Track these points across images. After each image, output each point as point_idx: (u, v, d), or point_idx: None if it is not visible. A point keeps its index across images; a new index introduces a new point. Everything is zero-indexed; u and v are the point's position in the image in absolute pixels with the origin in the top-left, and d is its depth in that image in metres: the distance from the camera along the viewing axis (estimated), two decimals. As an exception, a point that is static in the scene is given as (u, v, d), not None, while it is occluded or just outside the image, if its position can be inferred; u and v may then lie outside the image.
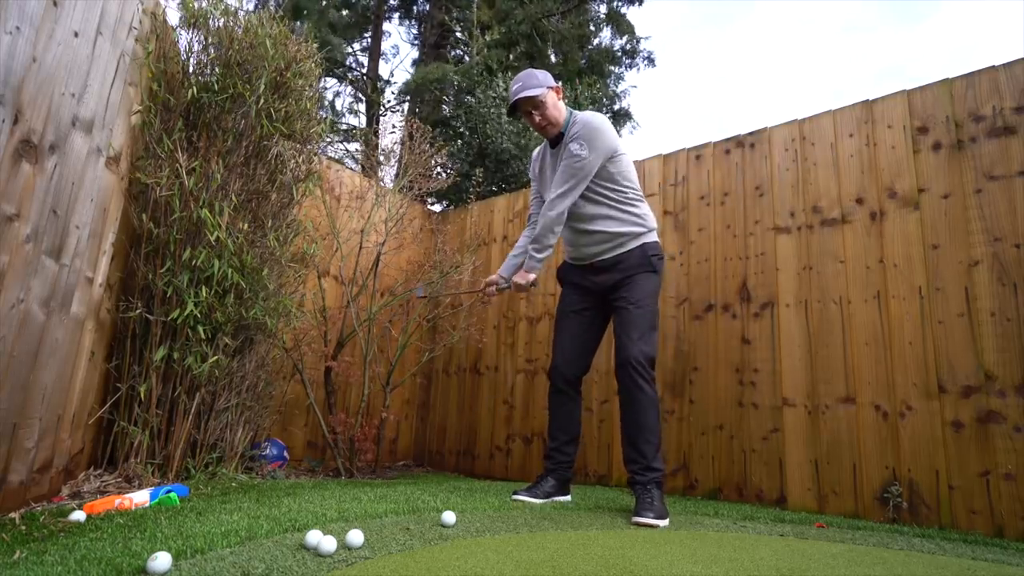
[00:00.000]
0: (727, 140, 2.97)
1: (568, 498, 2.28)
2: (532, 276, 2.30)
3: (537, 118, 2.23)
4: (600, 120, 2.18)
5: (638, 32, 9.63)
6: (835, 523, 2.05)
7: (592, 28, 9.53)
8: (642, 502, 1.90)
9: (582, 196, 2.21)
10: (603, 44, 9.66)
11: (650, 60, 9.64)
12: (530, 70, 2.26)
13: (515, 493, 2.18)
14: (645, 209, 2.28)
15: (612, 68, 9.49)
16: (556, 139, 2.28)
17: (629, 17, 9.68)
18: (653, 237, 2.26)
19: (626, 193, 2.23)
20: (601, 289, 2.27)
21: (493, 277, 2.43)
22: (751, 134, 2.90)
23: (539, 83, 2.20)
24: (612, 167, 2.19)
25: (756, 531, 1.81)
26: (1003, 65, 2.30)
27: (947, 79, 2.41)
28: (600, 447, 3.05)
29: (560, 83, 2.37)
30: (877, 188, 2.49)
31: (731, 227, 2.85)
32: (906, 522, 2.17)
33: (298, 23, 8.94)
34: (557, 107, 2.24)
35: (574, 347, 2.30)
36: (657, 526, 1.80)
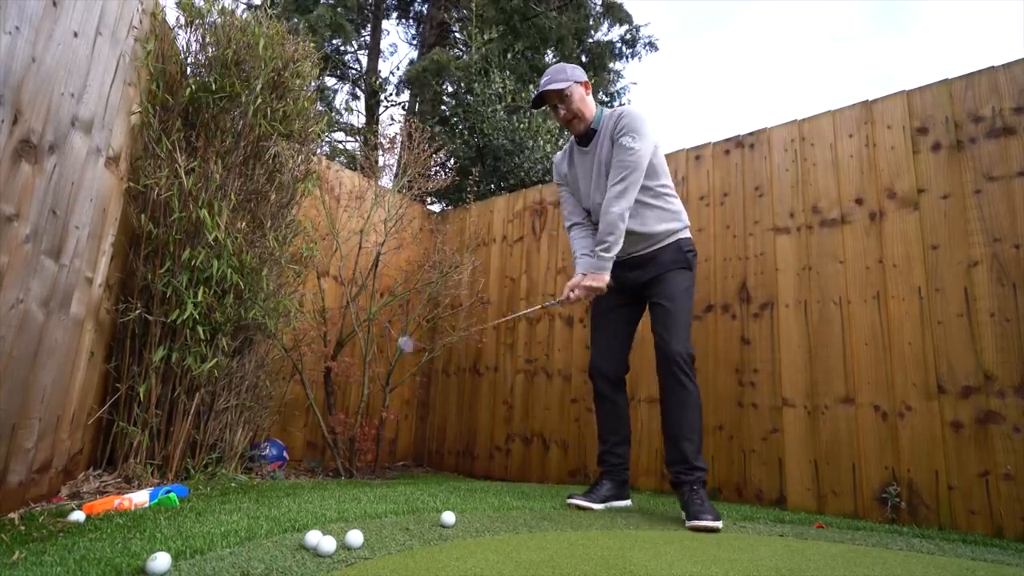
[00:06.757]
0: (726, 140, 2.97)
1: (628, 503, 2.21)
2: (606, 276, 2.13)
3: (562, 111, 2.20)
4: (643, 110, 2.17)
5: (636, 21, 9.59)
6: (834, 523, 2.05)
7: (591, 22, 9.51)
8: (692, 504, 1.87)
9: None
10: (602, 39, 9.63)
11: (652, 45, 9.56)
12: (561, 64, 2.25)
13: (570, 497, 2.12)
14: (679, 204, 2.25)
15: (612, 64, 9.45)
16: (586, 138, 2.24)
17: (626, 7, 9.64)
18: (687, 233, 2.24)
19: (666, 186, 2.22)
20: (634, 285, 2.23)
21: (575, 281, 2.20)
22: (750, 134, 2.90)
23: (567, 77, 2.19)
24: (654, 159, 2.17)
25: (755, 531, 1.81)
26: (1002, 66, 2.30)
27: (946, 80, 2.41)
28: (599, 447, 3.05)
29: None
30: (876, 188, 2.49)
31: (731, 227, 2.85)
32: (905, 522, 2.17)
33: (312, 12, 8.82)
34: (585, 102, 2.21)
35: (613, 346, 2.26)
36: (717, 528, 1.77)
